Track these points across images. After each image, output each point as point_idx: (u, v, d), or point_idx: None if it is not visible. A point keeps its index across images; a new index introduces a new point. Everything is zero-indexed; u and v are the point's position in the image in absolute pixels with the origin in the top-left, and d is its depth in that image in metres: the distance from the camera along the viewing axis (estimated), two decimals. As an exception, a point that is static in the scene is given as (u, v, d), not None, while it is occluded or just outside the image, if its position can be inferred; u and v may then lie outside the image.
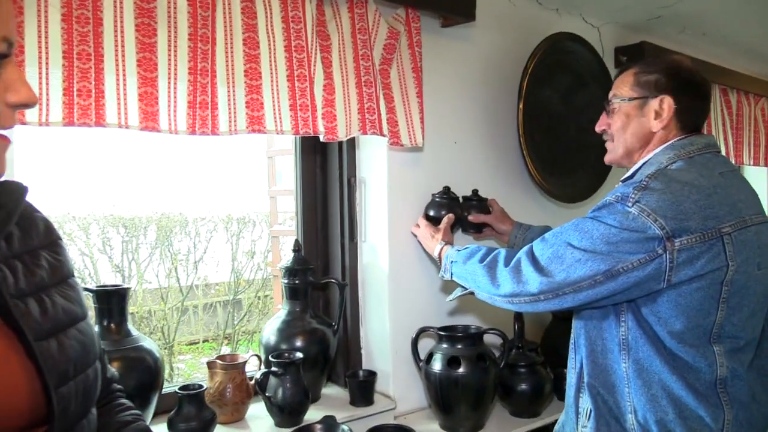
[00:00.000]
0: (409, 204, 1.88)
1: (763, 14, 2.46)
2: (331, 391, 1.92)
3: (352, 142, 1.93)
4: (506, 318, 1.96)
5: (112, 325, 1.52)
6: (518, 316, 1.92)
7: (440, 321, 1.88)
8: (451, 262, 1.53)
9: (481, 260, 1.41)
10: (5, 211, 0.73)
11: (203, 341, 5.55)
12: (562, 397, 1.94)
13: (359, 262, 1.94)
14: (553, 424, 1.80)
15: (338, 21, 1.65)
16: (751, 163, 3.18)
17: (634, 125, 1.37)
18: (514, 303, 1.32)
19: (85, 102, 1.26)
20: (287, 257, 1.85)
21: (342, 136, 1.62)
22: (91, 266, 4.97)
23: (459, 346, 1.72)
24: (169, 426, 1.49)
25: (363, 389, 1.79)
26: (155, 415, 1.57)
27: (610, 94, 1.43)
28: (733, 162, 3.02)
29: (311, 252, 1.98)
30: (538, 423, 1.82)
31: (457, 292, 1.55)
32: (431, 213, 1.84)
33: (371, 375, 1.83)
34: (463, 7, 1.85)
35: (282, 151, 4.57)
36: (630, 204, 1.19)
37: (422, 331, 1.80)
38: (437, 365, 1.70)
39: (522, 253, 1.33)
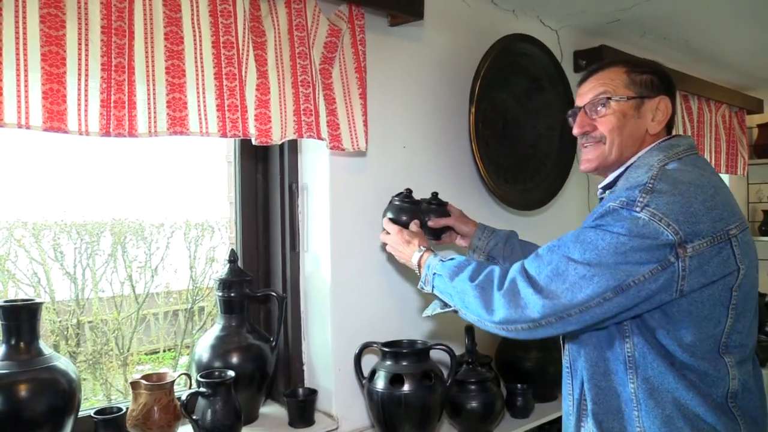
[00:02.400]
0: (353, 212, 1.78)
1: (725, 21, 2.43)
2: (270, 410, 1.81)
3: (294, 147, 1.82)
4: (458, 330, 1.88)
5: (21, 344, 1.39)
6: (470, 329, 1.83)
7: (385, 335, 1.78)
8: (434, 274, 1.35)
9: (472, 278, 1.25)
10: None
11: (164, 350, 5.38)
12: (515, 414, 1.86)
13: (301, 273, 1.83)
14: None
15: (274, 17, 1.55)
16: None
17: (630, 126, 1.27)
18: (509, 330, 1.17)
19: (-22, 100, 1.14)
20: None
21: (276, 139, 1.51)
22: (43, 275, 4.79)
23: (404, 363, 1.62)
24: (82, 454, 1.36)
25: (302, 409, 1.68)
26: (69, 441, 1.44)
27: (596, 93, 1.28)
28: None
29: (251, 262, 1.86)
30: (488, 442, 1.73)
31: (435, 307, 1.41)
32: (391, 217, 1.62)
33: (311, 393, 1.72)
34: (410, 5, 1.76)
35: (243, 156, 4.47)
36: (638, 209, 1.09)
37: (366, 347, 1.69)
38: (380, 383, 1.60)
39: (515, 273, 1.19)
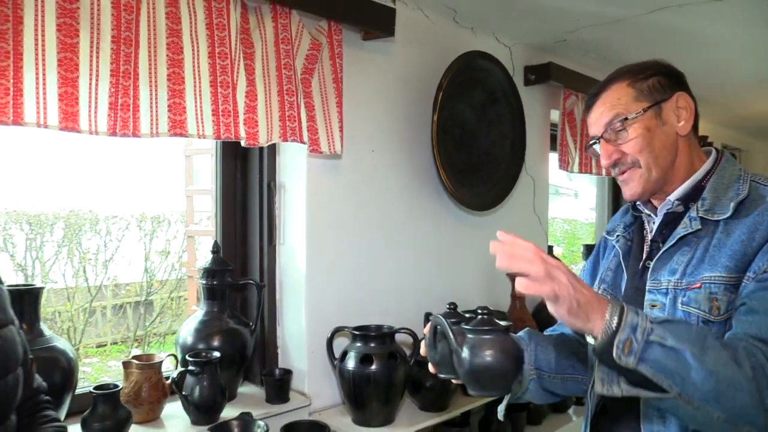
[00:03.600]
0: (327, 209, 1.96)
1: (657, 43, 2.71)
2: (247, 389, 1.96)
3: (273, 148, 1.98)
4: (416, 318, 2.08)
5: (24, 325, 1.50)
6: (428, 315, 2.03)
7: (354, 321, 1.96)
8: (647, 341, 0.89)
9: (734, 357, 0.91)
10: None
11: (112, 344, 5.38)
12: (466, 392, 2.08)
13: (277, 264, 1.99)
14: (460, 416, 1.92)
15: (262, 30, 1.71)
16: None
17: (659, 137, 1.16)
18: None
19: (3, 100, 1.26)
20: (203, 258, 1.88)
21: (263, 142, 1.68)
22: (-7, 264, 4.72)
23: (372, 345, 1.80)
24: (83, 426, 1.49)
25: (279, 387, 1.85)
26: (69, 415, 1.56)
27: (609, 118, 1.17)
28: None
29: (229, 254, 2.01)
30: (445, 416, 1.94)
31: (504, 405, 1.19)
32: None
33: (287, 373, 1.89)
34: (384, 23, 1.95)
35: (200, 150, 4.53)
36: None
37: (337, 331, 1.87)
38: (351, 363, 1.79)
39: (751, 345, 0.93)
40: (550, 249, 3.11)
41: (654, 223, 1.21)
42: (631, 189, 1.19)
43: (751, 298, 1.00)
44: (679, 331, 0.92)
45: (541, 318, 2.54)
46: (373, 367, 1.77)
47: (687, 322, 1.03)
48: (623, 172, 1.19)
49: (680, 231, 1.12)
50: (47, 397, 0.99)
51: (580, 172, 2.97)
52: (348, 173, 2.01)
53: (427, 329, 1.15)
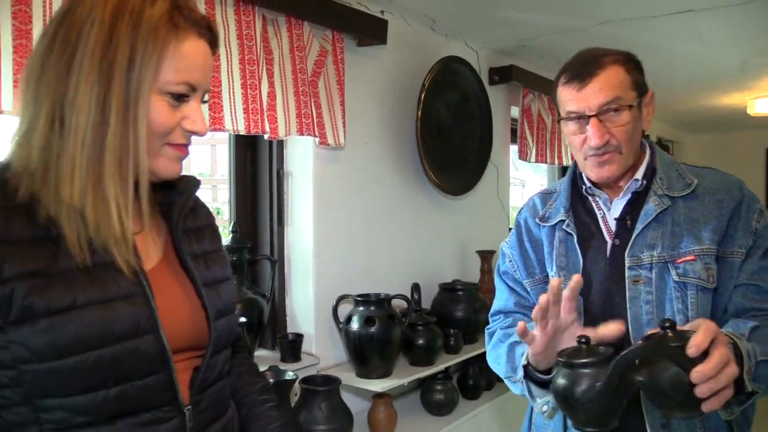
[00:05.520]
0: (330, 193, 2.25)
1: (601, 46, 3.10)
2: (261, 353, 2.25)
3: (281, 141, 2.26)
4: (405, 287, 2.41)
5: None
6: (416, 287, 2.36)
7: (354, 290, 2.27)
8: (757, 362, 0.99)
9: None
10: (186, 195, 0.98)
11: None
12: (449, 351, 2.42)
13: (286, 242, 2.27)
14: (444, 370, 2.25)
15: (279, 39, 1.98)
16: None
17: (637, 127, 1.21)
18: None
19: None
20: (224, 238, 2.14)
21: (282, 135, 1.96)
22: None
23: (372, 309, 2.11)
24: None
25: (292, 348, 2.14)
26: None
27: (607, 99, 1.16)
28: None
29: (242, 234, 2.28)
30: (433, 370, 2.27)
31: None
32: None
33: (299, 336, 2.18)
34: (378, 32, 2.26)
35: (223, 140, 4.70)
36: None
37: (342, 298, 2.18)
38: (355, 325, 2.09)
39: None
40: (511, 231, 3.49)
41: (609, 203, 1.27)
42: (609, 170, 1.20)
43: (763, 280, 1.15)
44: (764, 337, 1.04)
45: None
46: (375, 327, 2.08)
47: (754, 324, 1.08)
48: (604, 153, 1.19)
49: (654, 208, 1.20)
50: (243, 343, 1.25)
51: (537, 161, 3.35)
52: (346, 162, 2.31)
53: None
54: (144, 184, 0.85)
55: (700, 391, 0.87)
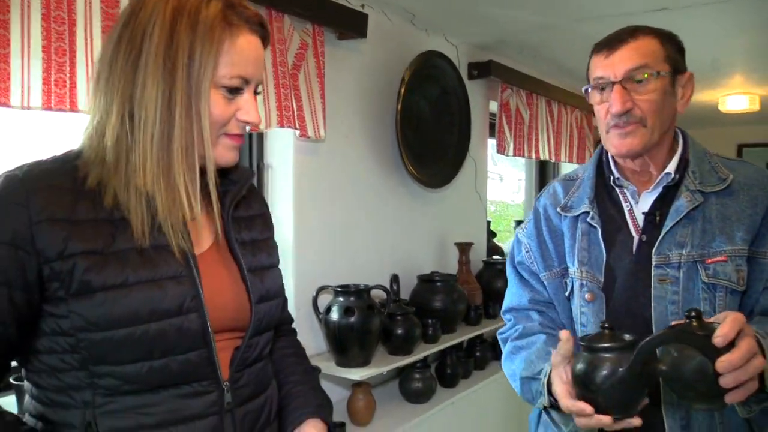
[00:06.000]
0: (310, 186, 2.27)
1: (580, 44, 3.16)
2: (241, 342, 2.27)
3: (260, 134, 2.28)
4: (385, 278, 2.45)
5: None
6: (395, 278, 2.40)
7: (333, 281, 2.30)
8: None
9: None
10: (240, 185, 1.05)
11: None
12: (427, 340, 2.46)
13: (266, 234, 2.30)
14: (422, 359, 2.30)
15: (260, 32, 1.99)
16: (567, 160, 3.96)
17: (668, 104, 1.15)
18: None
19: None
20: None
21: (263, 128, 1.98)
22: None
23: (352, 299, 2.15)
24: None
25: (272, 337, 2.16)
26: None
27: (634, 65, 1.11)
28: (553, 159, 3.78)
29: (223, 225, 2.29)
30: (411, 359, 2.31)
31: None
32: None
33: (279, 326, 2.21)
34: (358, 26, 2.28)
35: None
36: None
37: (321, 289, 2.21)
38: (335, 315, 2.12)
39: None
40: (488, 224, 3.55)
41: (637, 196, 1.21)
42: (630, 144, 1.13)
43: None
44: None
45: (483, 280, 2.97)
46: (354, 317, 2.11)
47: None
48: (627, 124, 1.13)
49: (686, 204, 1.13)
50: (293, 328, 1.32)
51: (515, 155, 3.41)
52: (326, 155, 2.34)
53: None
54: (211, 172, 0.92)
55: (725, 381, 0.86)
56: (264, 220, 1.15)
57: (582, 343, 0.97)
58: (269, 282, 1.07)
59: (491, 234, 3.62)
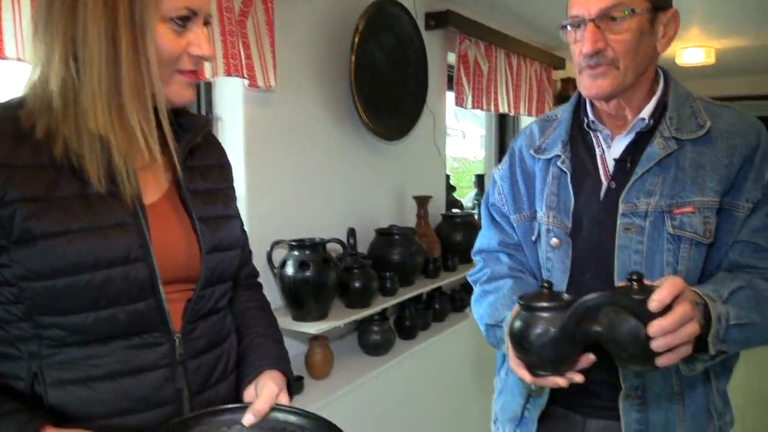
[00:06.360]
0: (262, 138, 2.21)
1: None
2: (195, 299, 2.23)
3: (208, 84, 2.19)
4: (341, 232, 2.42)
5: None
6: (351, 232, 2.38)
7: (288, 235, 2.26)
8: (728, 326, 0.97)
9: None
10: (193, 133, 1.02)
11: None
12: (385, 293, 2.46)
13: (218, 188, 2.24)
14: (380, 312, 2.30)
15: (203, -25, 1.90)
16: (526, 113, 3.95)
17: (645, 44, 1.08)
18: None
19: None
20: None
21: (209, 76, 1.90)
22: None
23: (307, 253, 2.12)
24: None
25: (226, 293, 2.13)
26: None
27: (610, 3, 1.05)
28: (512, 112, 3.76)
29: (173, 180, 2.23)
30: (369, 311, 2.31)
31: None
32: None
33: (233, 281, 2.17)
34: (308, -29, 2.19)
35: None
36: None
37: (276, 243, 2.17)
38: (290, 269, 2.10)
39: None
40: (447, 178, 3.54)
41: (610, 141, 1.17)
42: (600, 86, 1.09)
43: (765, 239, 1.06)
44: (745, 300, 0.99)
45: (442, 234, 2.97)
46: (310, 271, 2.09)
47: (740, 283, 1.01)
48: (598, 65, 1.08)
49: (658, 151, 1.09)
50: (259, 282, 1.30)
51: (473, 108, 3.38)
52: (278, 106, 2.27)
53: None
54: (163, 111, 0.90)
55: (656, 345, 0.86)
56: (222, 169, 1.13)
57: (520, 302, 0.98)
58: (224, 232, 1.05)
59: (451, 188, 3.62)
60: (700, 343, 0.94)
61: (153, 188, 0.99)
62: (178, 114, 1.05)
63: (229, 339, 1.11)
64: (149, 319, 0.93)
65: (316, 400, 2.05)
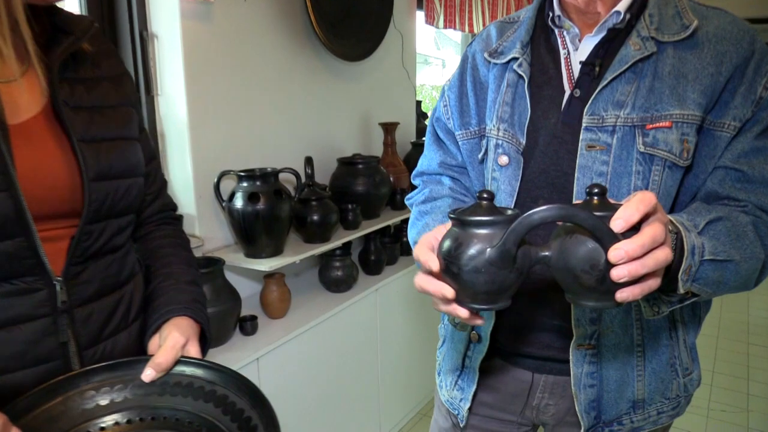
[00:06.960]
0: (203, 58, 1.99)
1: None
2: (138, 236, 2.06)
3: (141, -4, 1.95)
4: (297, 161, 2.24)
5: None
6: (308, 161, 2.19)
7: (238, 165, 2.08)
8: (702, 260, 0.81)
9: (756, 240, 0.86)
10: (72, 37, 0.86)
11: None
12: (347, 227, 2.31)
13: (157, 115, 2.03)
14: (342, 246, 2.15)
15: None
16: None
17: None
18: None
19: None
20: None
21: (133, -16, 1.66)
22: None
23: (258, 184, 1.95)
24: None
25: (171, 229, 1.96)
26: None
27: None
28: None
29: (107, 106, 2.01)
30: (329, 246, 2.16)
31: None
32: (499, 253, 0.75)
33: (180, 216, 2.00)
34: None
35: None
36: None
37: (223, 174, 1.99)
38: (239, 202, 1.93)
39: (761, 222, 0.88)
40: (418, 104, 3.33)
41: (578, 42, 0.99)
42: None
43: (750, 166, 0.89)
44: (723, 233, 0.83)
45: (412, 163, 2.80)
46: (260, 204, 1.92)
47: (718, 214, 0.85)
48: None
49: (632, 53, 0.91)
50: (177, 215, 1.14)
51: (445, 27, 3.14)
52: (221, 21, 2.04)
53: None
54: (18, 7, 0.76)
55: (616, 273, 0.67)
56: (116, 83, 0.95)
57: (450, 216, 0.76)
58: (115, 157, 0.88)
59: (422, 115, 3.41)
60: (666, 280, 0.80)
61: (26, 105, 0.84)
62: (52, 14, 0.87)
63: (131, 282, 0.96)
64: (20, 262, 0.80)
65: (272, 340, 1.92)
